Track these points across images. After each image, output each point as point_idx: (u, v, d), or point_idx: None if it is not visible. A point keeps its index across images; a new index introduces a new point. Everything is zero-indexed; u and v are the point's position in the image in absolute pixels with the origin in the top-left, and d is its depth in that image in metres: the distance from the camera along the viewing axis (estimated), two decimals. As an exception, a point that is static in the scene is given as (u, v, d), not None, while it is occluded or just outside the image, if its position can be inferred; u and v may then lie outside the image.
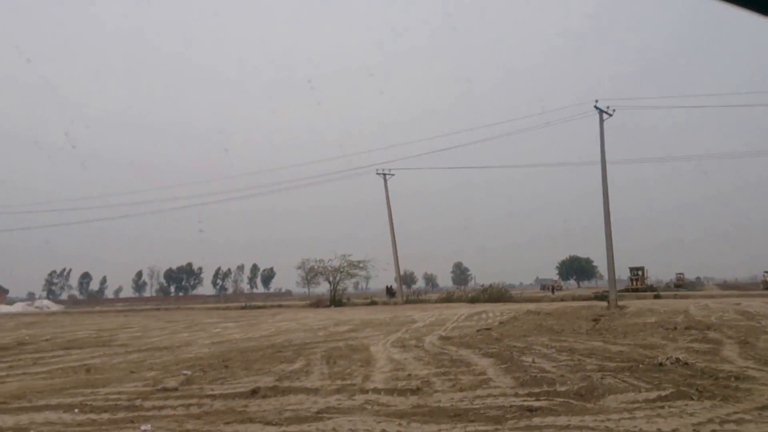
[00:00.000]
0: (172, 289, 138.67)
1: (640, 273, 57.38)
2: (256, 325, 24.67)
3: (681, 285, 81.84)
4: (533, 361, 10.71)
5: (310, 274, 52.09)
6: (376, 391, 8.42)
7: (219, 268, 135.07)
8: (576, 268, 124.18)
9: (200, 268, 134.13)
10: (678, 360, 9.92)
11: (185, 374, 10.87)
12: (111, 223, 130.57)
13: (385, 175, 52.16)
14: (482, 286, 56.60)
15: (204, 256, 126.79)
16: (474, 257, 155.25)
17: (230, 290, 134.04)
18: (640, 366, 9.74)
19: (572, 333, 17.66)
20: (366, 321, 23.92)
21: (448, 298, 43.77)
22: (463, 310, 28.23)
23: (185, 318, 33.33)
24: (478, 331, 18.76)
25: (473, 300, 40.72)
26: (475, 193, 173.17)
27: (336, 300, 46.76)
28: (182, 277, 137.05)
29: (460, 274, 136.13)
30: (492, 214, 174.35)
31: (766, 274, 65.68)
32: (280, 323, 25.13)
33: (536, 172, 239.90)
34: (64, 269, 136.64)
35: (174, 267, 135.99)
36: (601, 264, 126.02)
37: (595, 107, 34.05)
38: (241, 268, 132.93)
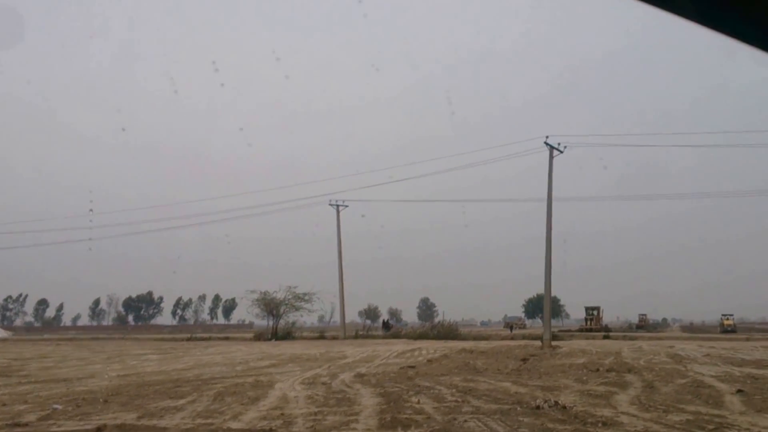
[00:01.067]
0: (131, 318, 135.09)
1: (595, 313, 57.85)
2: (181, 357, 23.89)
3: (642, 326, 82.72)
4: (418, 402, 10.42)
5: (270, 306, 50.98)
6: (228, 431, 8.05)
7: (180, 298, 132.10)
8: (543, 307, 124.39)
9: (160, 297, 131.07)
10: (557, 404, 9.74)
11: (54, 408, 10.34)
12: (71, 247, 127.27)
13: (338, 206, 51.27)
14: (430, 323, 56.23)
15: (167, 285, 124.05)
16: (443, 293, 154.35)
17: (192, 321, 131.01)
18: (518, 409, 9.53)
19: (493, 373, 17.44)
20: (295, 356, 23.36)
21: (395, 334, 43.09)
22: (401, 346, 27.77)
23: (116, 348, 32.21)
24: (400, 368, 18.43)
25: (421, 336, 40.15)
26: (446, 227, 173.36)
27: (284, 333, 45.75)
28: (141, 306, 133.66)
29: (426, 309, 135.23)
30: (463, 250, 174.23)
31: (723, 318, 66.21)
32: (205, 356, 24.38)
33: (508, 206, 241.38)
34: (21, 294, 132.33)
35: (134, 295, 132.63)
36: (567, 303, 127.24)
37: (545, 143, 32.82)
38: (202, 298, 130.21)
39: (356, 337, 43.91)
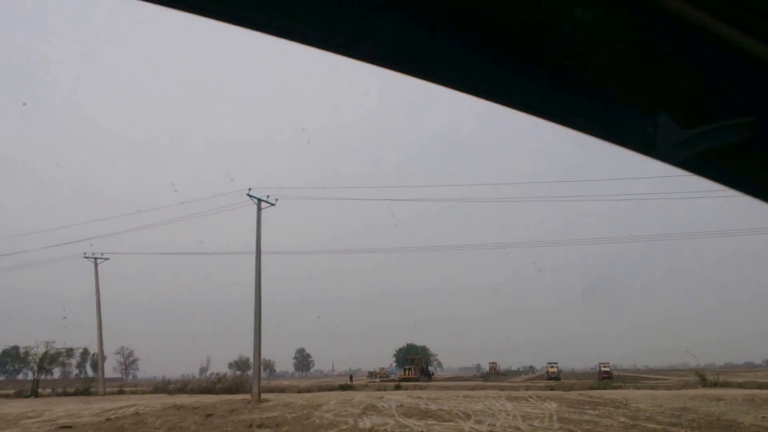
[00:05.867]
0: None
1: (414, 363, 61.06)
2: None
3: (490, 374, 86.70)
4: None
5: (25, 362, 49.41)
6: None
7: (46, 352, 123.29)
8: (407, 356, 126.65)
9: (26, 352, 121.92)
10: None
11: None
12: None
13: (95, 259, 47.72)
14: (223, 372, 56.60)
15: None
16: (324, 342, 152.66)
17: (60, 375, 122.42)
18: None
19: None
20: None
21: (182, 389, 42.03)
22: (120, 404, 27.18)
23: None
24: (54, 429, 19.05)
25: (205, 390, 38.93)
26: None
27: (82, 389, 43.79)
28: (7, 361, 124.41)
29: (302, 359, 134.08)
30: (342, 298, 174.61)
31: (548, 365, 70.09)
32: None
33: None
34: None
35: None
36: (439, 352, 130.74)
37: (250, 196, 31.16)
38: (70, 351, 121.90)
39: (156, 391, 42.82)
